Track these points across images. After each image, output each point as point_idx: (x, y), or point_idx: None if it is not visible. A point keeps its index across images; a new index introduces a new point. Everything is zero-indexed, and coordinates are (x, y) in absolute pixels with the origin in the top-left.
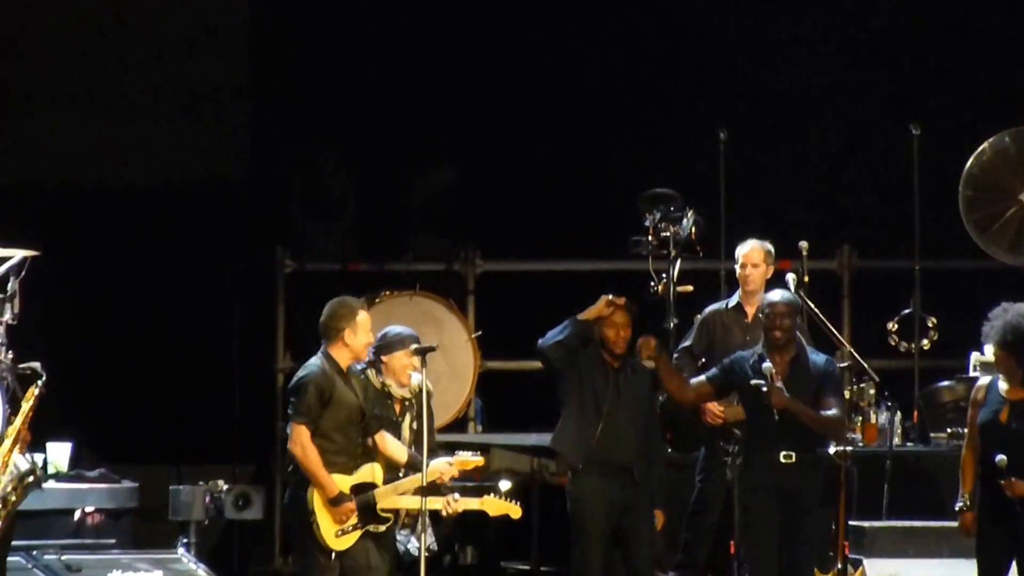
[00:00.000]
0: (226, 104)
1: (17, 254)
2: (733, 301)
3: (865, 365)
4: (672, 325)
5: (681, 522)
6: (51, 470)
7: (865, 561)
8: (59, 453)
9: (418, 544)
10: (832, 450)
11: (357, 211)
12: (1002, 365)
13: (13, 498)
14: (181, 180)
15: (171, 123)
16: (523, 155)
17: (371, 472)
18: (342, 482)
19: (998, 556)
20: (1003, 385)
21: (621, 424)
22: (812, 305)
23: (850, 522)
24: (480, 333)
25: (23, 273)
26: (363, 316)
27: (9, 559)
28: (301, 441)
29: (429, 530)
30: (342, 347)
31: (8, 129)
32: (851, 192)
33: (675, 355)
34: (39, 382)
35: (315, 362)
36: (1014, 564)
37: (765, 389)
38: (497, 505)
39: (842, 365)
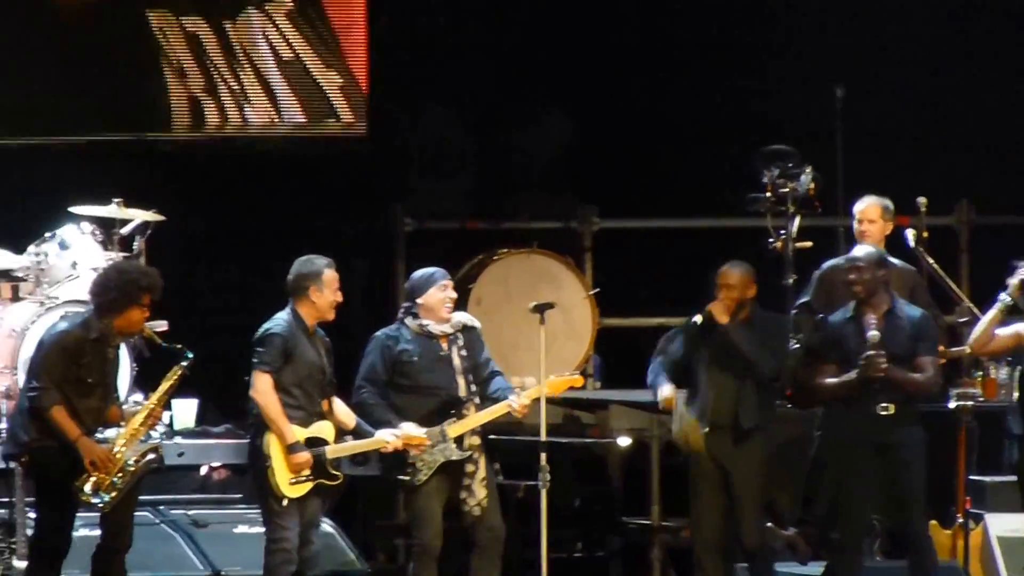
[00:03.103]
0: (346, 64)
1: (141, 216)
2: None
3: None
4: (791, 281)
5: (803, 479)
6: (177, 427)
7: (986, 516)
8: (185, 410)
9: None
10: (952, 405)
11: (475, 170)
12: None
13: (132, 470)
14: (303, 141)
15: (292, 85)
16: (640, 112)
17: (324, 429)
18: (297, 434)
19: None
20: None
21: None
22: (931, 261)
23: (970, 477)
24: (598, 291)
25: (148, 232)
26: (329, 274)
27: (136, 515)
28: (263, 388)
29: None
30: (308, 305)
31: (127, 90)
32: (969, 147)
33: (793, 311)
34: (184, 363)
35: (282, 316)
36: None
37: (869, 355)
38: (559, 383)
39: (962, 321)
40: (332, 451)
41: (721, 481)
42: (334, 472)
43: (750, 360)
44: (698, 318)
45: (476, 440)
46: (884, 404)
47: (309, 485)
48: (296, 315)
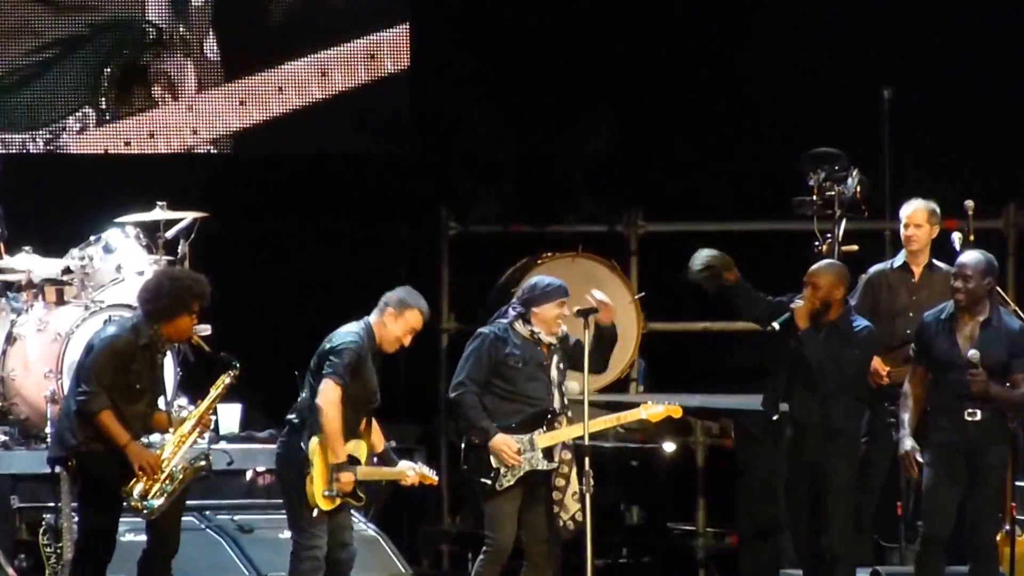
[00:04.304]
0: (389, 69)
1: (187, 216)
2: (899, 261)
3: None
4: None
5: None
6: (222, 431)
7: None
8: (229, 415)
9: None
10: None
11: (519, 173)
12: None
13: (181, 477)
14: (346, 145)
15: (336, 90)
16: (686, 114)
17: (358, 448)
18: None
19: None
20: None
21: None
22: None
23: (1017, 483)
24: (643, 295)
25: (192, 235)
26: (411, 315)
27: (182, 519)
28: (332, 399)
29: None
30: (380, 326)
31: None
32: (1018, 150)
33: None
34: (231, 372)
35: (359, 331)
36: None
37: (972, 373)
38: (657, 411)
39: None
40: (363, 473)
41: (810, 484)
42: (360, 494)
43: (815, 370)
44: (776, 324)
45: (567, 455)
46: (971, 410)
47: (338, 501)
48: (370, 332)
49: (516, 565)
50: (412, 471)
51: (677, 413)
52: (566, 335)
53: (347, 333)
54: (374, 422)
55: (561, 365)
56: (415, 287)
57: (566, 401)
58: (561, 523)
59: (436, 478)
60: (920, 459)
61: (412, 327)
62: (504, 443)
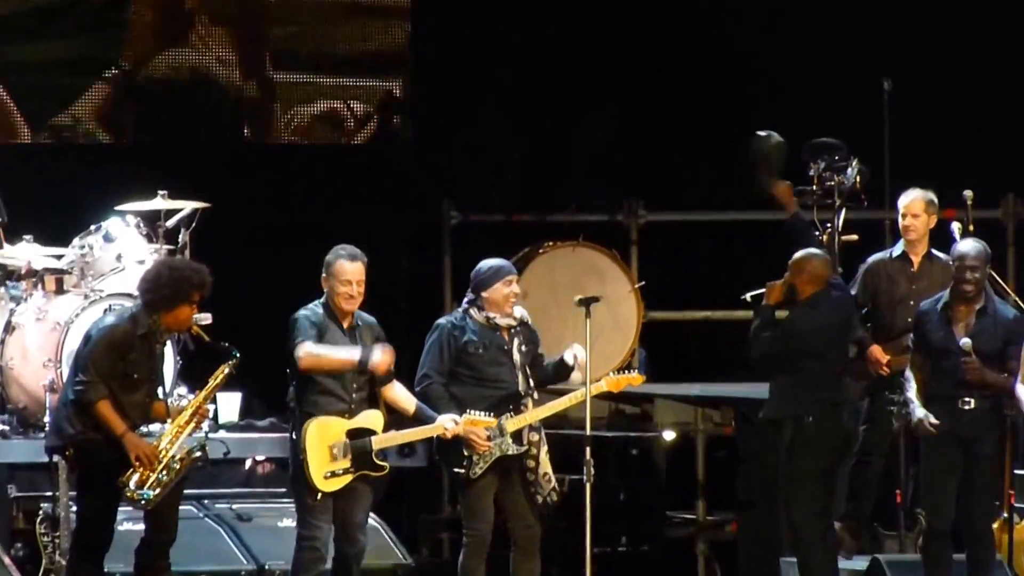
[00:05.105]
0: (390, 59)
1: (188, 206)
2: (897, 251)
3: None
4: (837, 274)
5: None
6: (221, 420)
7: None
8: (229, 403)
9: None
10: None
11: (521, 163)
12: None
13: (177, 467)
14: (349, 135)
15: (338, 79)
16: (686, 105)
17: (371, 418)
18: (340, 426)
19: None
20: None
21: None
22: None
23: (1015, 472)
24: (643, 284)
25: (193, 224)
26: (339, 266)
27: (181, 508)
28: (303, 354)
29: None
30: (327, 294)
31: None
32: (1017, 140)
33: None
34: (231, 362)
35: (311, 305)
36: None
37: (965, 361)
38: (617, 381)
39: None
40: (379, 441)
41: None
42: (380, 463)
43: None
44: (748, 296)
45: (535, 436)
46: (966, 399)
47: (348, 478)
48: (324, 303)
49: (505, 553)
50: (453, 423)
51: (637, 382)
52: (526, 320)
53: (301, 310)
54: (397, 385)
55: (524, 348)
56: (417, 277)
57: (531, 383)
58: (539, 501)
59: (493, 419)
60: (934, 421)
61: (345, 278)
62: (472, 431)
